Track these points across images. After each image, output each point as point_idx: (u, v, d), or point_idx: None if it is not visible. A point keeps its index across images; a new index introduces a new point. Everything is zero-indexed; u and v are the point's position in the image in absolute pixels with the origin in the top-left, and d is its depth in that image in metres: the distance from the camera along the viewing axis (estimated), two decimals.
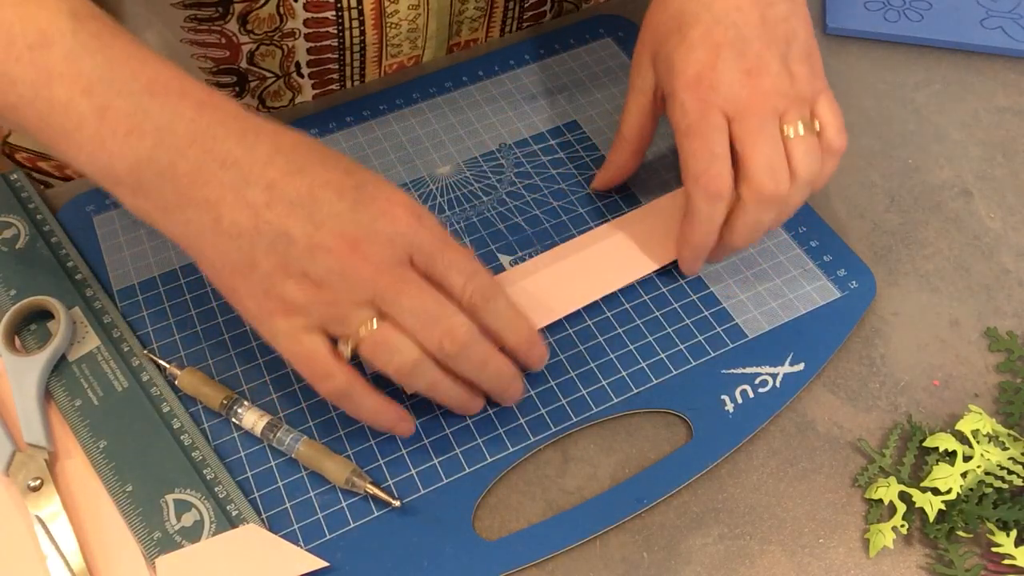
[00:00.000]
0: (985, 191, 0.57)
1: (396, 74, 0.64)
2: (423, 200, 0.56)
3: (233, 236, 0.40)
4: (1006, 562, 0.42)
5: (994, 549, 0.43)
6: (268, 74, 0.61)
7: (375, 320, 0.41)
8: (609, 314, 0.51)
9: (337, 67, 0.62)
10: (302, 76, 0.62)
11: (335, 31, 0.59)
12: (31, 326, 0.50)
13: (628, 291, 0.52)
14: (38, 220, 0.54)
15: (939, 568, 0.43)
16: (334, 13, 0.58)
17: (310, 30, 0.59)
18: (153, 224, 0.42)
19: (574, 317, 0.51)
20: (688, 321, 0.51)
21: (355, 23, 0.59)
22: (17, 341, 0.49)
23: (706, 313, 0.51)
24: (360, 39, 0.60)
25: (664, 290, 0.52)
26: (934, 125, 0.61)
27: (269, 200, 0.39)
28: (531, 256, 0.53)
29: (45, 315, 0.50)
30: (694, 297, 0.51)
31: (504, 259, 0.53)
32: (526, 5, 0.65)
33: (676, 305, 0.51)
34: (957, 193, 0.57)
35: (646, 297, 0.52)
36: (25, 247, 0.53)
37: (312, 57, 0.61)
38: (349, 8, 0.58)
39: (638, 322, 0.50)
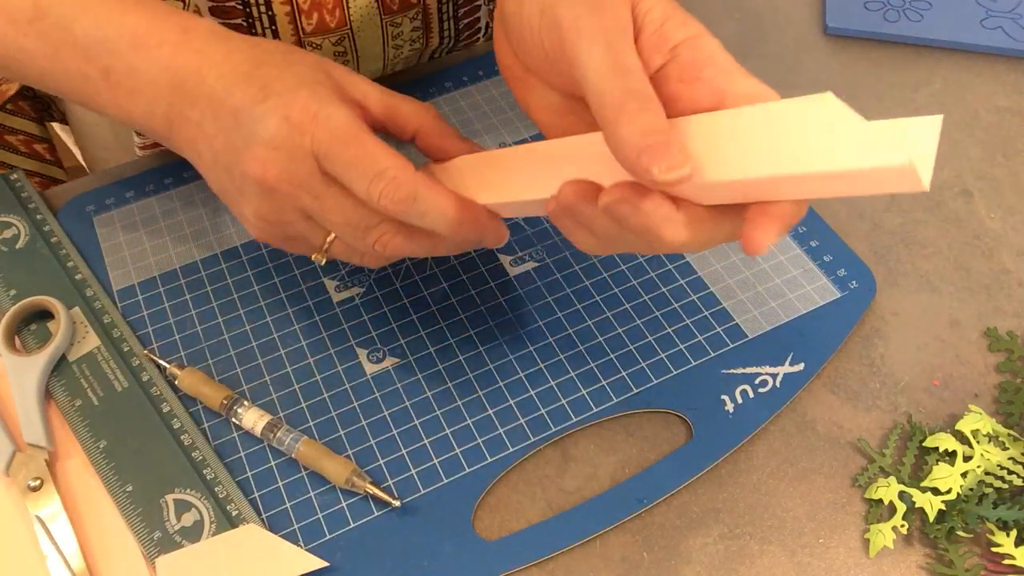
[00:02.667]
0: (985, 191, 0.57)
1: (393, 75, 0.64)
2: None
3: (208, 168, 0.43)
4: (1006, 562, 0.42)
5: (994, 549, 0.43)
6: None
7: (331, 237, 0.42)
8: (609, 314, 0.51)
9: None
10: None
11: None
12: (31, 326, 0.50)
13: (628, 291, 0.52)
14: (38, 220, 0.54)
15: (939, 568, 0.43)
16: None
17: None
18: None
19: (574, 317, 0.51)
20: (688, 321, 0.51)
21: None
22: (17, 341, 0.49)
23: (706, 313, 0.51)
24: None
25: (664, 290, 0.52)
26: None
27: (216, 131, 0.41)
28: (531, 256, 0.53)
29: (45, 315, 0.50)
30: (694, 297, 0.52)
31: (504, 259, 0.53)
32: (460, 38, 0.64)
33: (676, 305, 0.51)
34: (957, 193, 0.57)
35: (646, 297, 0.52)
36: (25, 247, 0.53)
37: None
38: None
39: (638, 322, 0.50)
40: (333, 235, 0.42)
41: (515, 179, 0.41)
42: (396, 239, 0.41)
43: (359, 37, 0.57)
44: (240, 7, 0.53)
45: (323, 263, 0.44)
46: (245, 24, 0.54)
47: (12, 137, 0.67)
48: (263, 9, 0.53)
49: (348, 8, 0.55)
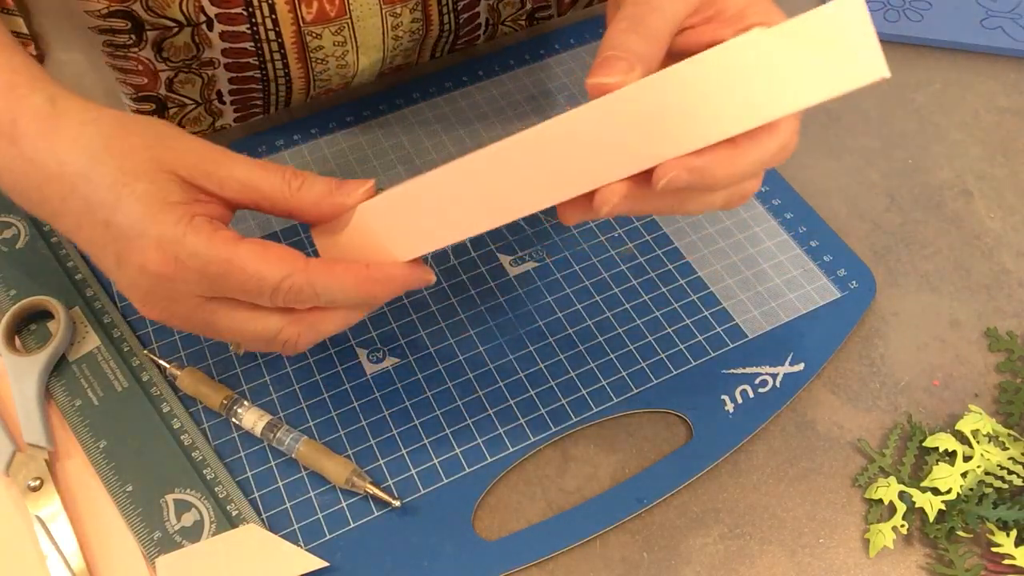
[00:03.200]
0: (985, 191, 0.57)
1: (394, 75, 0.64)
2: None
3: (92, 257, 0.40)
4: (1006, 562, 0.42)
5: (994, 549, 0.43)
6: (188, 101, 0.60)
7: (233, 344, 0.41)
8: (609, 314, 0.51)
9: (261, 97, 0.60)
10: (224, 103, 0.60)
11: (256, 62, 0.57)
12: (31, 326, 0.50)
13: (628, 291, 0.52)
14: (38, 220, 0.54)
15: (939, 568, 0.43)
16: (252, 44, 0.56)
17: (230, 60, 0.57)
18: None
19: (574, 317, 0.51)
20: (688, 321, 0.51)
21: (276, 56, 0.57)
22: (17, 341, 0.49)
23: (706, 313, 0.51)
24: (284, 71, 0.58)
25: (664, 290, 0.52)
26: (934, 125, 0.61)
27: (92, 252, 0.39)
28: (531, 256, 0.53)
29: (45, 315, 0.50)
30: (694, 297, 0.51)
31: (504, 259, 0.53)
32: (461, 32, 0.64)
33: (676, 305, 0.51)
34: (957, 193, 0.57)
35: (646, 297, 0.52)
36: (25, 247, 0.53)
37: (235, 87, 0.59)
38: (268, 40, 0.56)
39: (638, 322, 0.50)
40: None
41: (436, 217, 0.38)
42: (304, 338, 0.39)
43: (359, 27, 0.57)
44: None
45: (241, 352, 0.42)
46: (245, 13, 0.54)
47: None
48: None
49: None
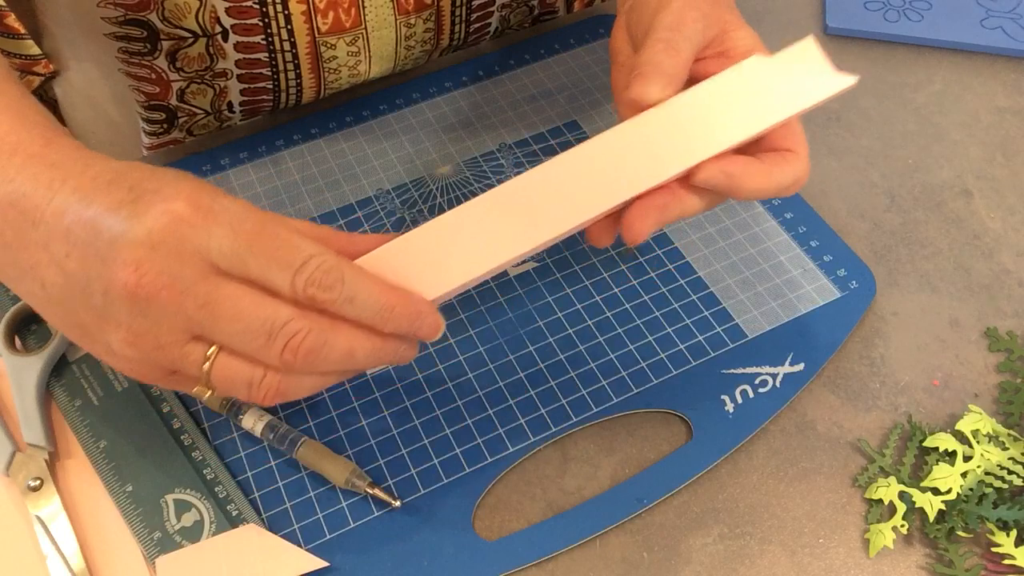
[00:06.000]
0: (985, 191, 0.57)
1: (396, 75, 0.64)
2: (423, 200, 0.56)
3: (56, 301, 0.36)
4: (1006, 562, 0.42)
5: (994, 549, 0.43)
6: (198, 111, 0.60)
7: (211, 351, 0.35)
8: (609, 314, 0.51)
9: (270, 105, 0.61)
10: (233, 112, 0.61)
11: (269, 73, 0.57)
12: (31, 326, 0.50)
13: (628, 291, 0.52)
14: None
15: (939, 568, 0.43)
16: (266, 55, 0.56)
17: (243, 71, 0.57)
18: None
19: (574, 317, 0.51)
20: (688, 321, 0.51)
21: (290, 66, 0.57)
22: (17, 341, 0.49)
23: (706, 313, 0.51)
24: (296, 81, 0.58)
25: (664, 290, 0.52)
26: (934, 125, 0.61)
27: (68, 250, 0.34)
28: (531, 256, 0.53)
29: None
30: (694, 297, 0.52)
31: None
32: (469, 40, 0.64)
33: (676, 305, 0.51)
34: (957, 193, 0.57)
35: (646, 297, 0.52)
36: None
37: (245, 97, 0.59)
38: (282, 51, 0.56)
39: (638, 322, 0.50)
40: (214, 350, 0.35)
41: (459, 253, 0.38)
42: (309, 339, 0.34)
43: (373, 37, 0.58)
44: (256, 6, 0.53)
45: (206, 396, 0.36)
46: (261, 24, 0.54)
47: None
48: (279, 8, 0.54)
49: (364, 8, 0.56)
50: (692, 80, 0.41)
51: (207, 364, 0.35)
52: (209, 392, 0.36)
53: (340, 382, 0.45)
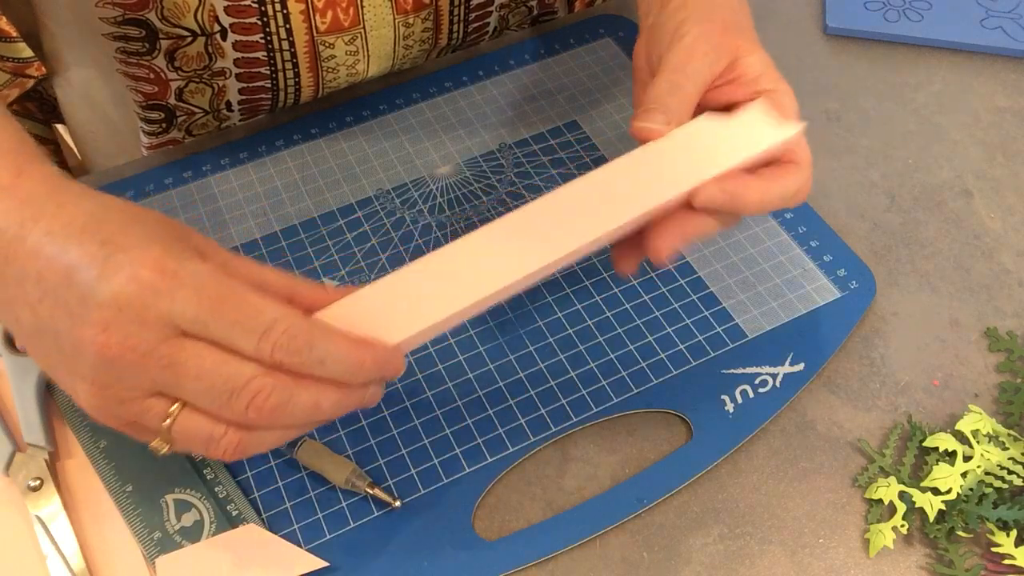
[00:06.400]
0: (985, 191, 0.57)
1: (395, 75, 0.64)
2: (423, 200, 0.56)
3: (30, 336, 0.36)
4: (1006, 562, 0.42)
5: (994, 549, 0.43)
6: (197, 110, 0.60)
7: (174, 408, 0.35)
8: (609, 314, 0.51)
9: (269, 104, 0.61)
10: (231, 111, 0.61)
11: (267, 72, 0.57)
12: None
13: (628, 291, 0.52)
14: None
15: (939, 568, 0.43)
16: (264, 54, 0.56)
17: (241, 70, 0.57)
18: None
19: (574, 317, 0.51)
20: (688, 321, 0.51)
21: (288, 65, 0.57)
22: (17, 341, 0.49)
23: (706, 313, 0.51)
24: (295, 80, 0.58)
25: (664, 290, 0.52)
26: (934, 125, 0.61)
27: (40, 295, 0.35)
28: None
29: None
30: (694, 297, 0.51)
31: None
32: (467, 40, 0.64)
33: (676, 305, 0.51)
34: (957, 193, 0.57)
35: (646, 297, 0.52)
36: None
37: (244, 96, 0.59)
38: (281, 50, 0.56)
39: (638, 322, 0.50)
40: (178, 406, 0.35)
41: (425, 299, 0.38)
42: (274, 396, 0.34)
43: (371, 37, 0.58)
44: (255, 5, 0.53)
45: (163, 452, 0.36)
46: (260, 23, 0.54)
47: None
48: (278, 8, 0.54)
49: (362, 7, 0.56)
50: (702, 108, 0.44)
51: (168, 420, 0.35)
52: (167, 447, 0.36)
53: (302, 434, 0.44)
